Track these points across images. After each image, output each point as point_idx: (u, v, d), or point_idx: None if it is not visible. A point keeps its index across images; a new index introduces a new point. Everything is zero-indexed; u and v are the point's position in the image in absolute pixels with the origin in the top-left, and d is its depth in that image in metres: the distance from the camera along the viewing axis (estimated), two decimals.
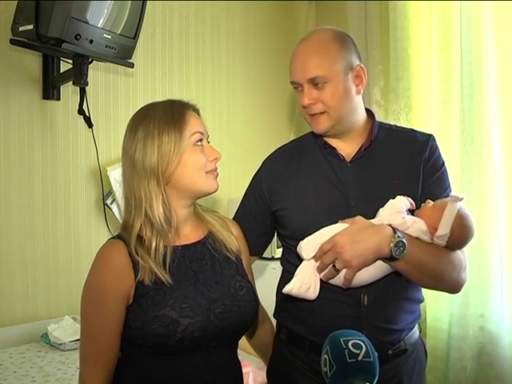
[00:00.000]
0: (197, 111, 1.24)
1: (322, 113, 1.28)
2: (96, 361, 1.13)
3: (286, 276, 1.27)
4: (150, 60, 2.45)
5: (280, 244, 1.48)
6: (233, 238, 1.29)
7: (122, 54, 1.98)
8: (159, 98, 2.25)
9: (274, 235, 1.49)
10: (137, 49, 2.07)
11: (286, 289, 1.17)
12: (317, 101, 1.27)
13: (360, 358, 0.91)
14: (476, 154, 2.14)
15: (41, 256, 2.11)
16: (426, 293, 2.35)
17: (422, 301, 1.39)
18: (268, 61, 2.91)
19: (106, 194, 2.23)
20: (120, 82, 2.34)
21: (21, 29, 1.82)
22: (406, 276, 1.22)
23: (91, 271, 1.16)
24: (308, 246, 1.18)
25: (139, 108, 1.23)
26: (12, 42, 1.91)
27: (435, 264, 1.21)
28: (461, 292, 2.15)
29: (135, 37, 1.99)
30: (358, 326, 1.22)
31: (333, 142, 1.35)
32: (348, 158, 1.33)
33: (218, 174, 1.22)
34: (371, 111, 1.40)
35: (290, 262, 1.33)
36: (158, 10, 2.46)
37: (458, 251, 1.26)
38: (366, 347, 0.92)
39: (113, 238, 1.20)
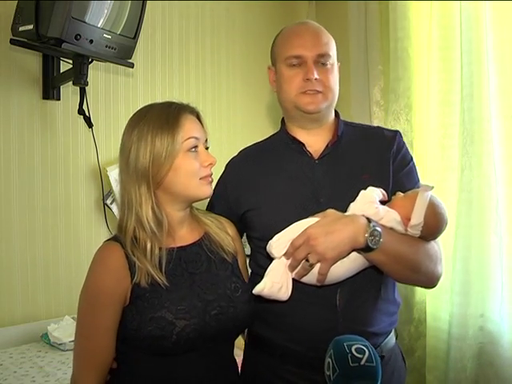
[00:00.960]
0: (195, 114, 1.22)
1: (320, 92, 1.28)
2: (90, 361, 1.13)
3: (256, 279, 1.22)
4: (150, 60, 2.45)
5: None
6: (229, 239, 1.29)
7: (122, 53, 1.98)
8: (159, 98, 2.24)
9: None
10: (137, 49, 2.07)
11: (257, 289, 1.13)
12: (319, 79, 1.28)
13: (363, 362, 0.92)
14: (476, 154, 2.14)
15: (41, 256, 2.11)
16: (425, 293, 2.37)
17: (399, 304, 1.35)
18: (268, 61, 2.90)
19: (106, 193, 2.23)
20: (120, 82, 2.34)
21: (21, 29, 1.82)
22: (382, 269, 1.18)
23: (88, 273, 1.17)
24: (278, 243, 1.13)
25: (138, 109, 1.23)
26: (12, 42, 1.91)
27: (412, 254, 1.17)
28: (461, 292, 2.18)
29: (135, 37, 1.99)
30: (333, 329, 1.18)
31: (302, 135, 1.34)
32: (316, 155, 1.32)
33: (212, 180, 1.21)
34: (337, 111, 1.40)
35: (259, 265, 1.29)
36: (158, 10, 2.46)
37: (433, 243, 1.23)
38: (369, 352, 0.93)
39: (109, 239, 1.20)
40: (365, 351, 0.93)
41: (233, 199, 1.36)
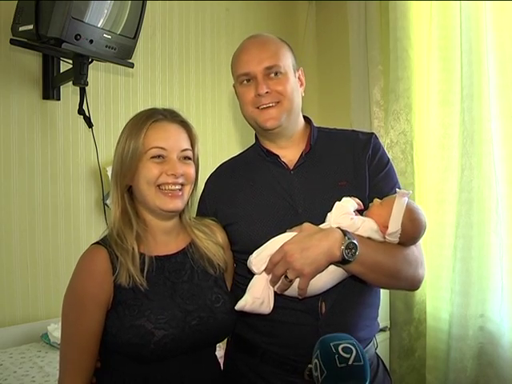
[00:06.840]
0: (178, 122, 1.22)
1: (276, 103, 1.26)
2: (76, 365, 1.13)
3: (237, 290, 1.24)
4: (150, 60, 2.45)
5: None
6: (221, 252, 1.28)
7: (122, 53, 1.98)
8: (159, 98, 2.24)
9: None
10: (137, 49, 2.07)
11: (239, 305, 1.14)
12: (271, 91, 1.26)
13: (350, 362, 0.91)
14: (476, 154, 2.14)
15: (41, 256, 2.10)
16: (425, 293, 2.37)
17: (378, 305, 1.36)
18: None
19: (105, 193, 2.23)
20: (120, 82, 2.34)
21: (21, 29, 1.82)
22: (362, 278, 1.18)
23: (73, 277, 1.17)
24: (258, 260, 1.14)
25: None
26: (12, 42, 1.90)
27: (390, 263, 1.17)
28: (461, 292, 2.18)
29: (135, 37, 1.99)
30: (315, 335, 1.16)
31: (275, 148, 1.33)
32: (291, 166, 1.31)
33: (180, 195, 1.19)
34: (309, 118, 1.39)
35: (240, 274, 1.31)
36: (158, 10, 2.46)
37: (413, 247, 1.22)
38: (357, 351, 0.92)
39: (95, 243, 1.20)
40: (352, 350, 0.92)
41: (212, 214, 1.35)
